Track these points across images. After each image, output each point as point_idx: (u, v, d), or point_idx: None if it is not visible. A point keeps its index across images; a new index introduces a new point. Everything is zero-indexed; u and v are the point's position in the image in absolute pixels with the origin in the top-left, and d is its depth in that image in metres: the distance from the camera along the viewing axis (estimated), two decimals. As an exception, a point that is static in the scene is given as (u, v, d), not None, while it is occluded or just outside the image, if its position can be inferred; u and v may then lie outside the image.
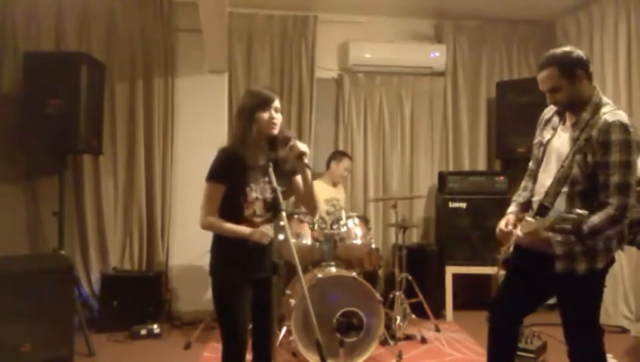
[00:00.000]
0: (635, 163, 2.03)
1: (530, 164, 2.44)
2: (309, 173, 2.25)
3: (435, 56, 5.11)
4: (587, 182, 2.09)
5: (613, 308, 4.32)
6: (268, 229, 2.17)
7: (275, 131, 2.21)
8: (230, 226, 2.18)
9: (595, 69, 4.54)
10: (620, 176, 2.02)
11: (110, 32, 4.60)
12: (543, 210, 2.19)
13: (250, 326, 2.30)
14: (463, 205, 4.76)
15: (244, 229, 2.17)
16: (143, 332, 4.01)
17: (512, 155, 4.89)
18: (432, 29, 5.30)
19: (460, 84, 5.23)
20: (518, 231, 2.22)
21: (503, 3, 4.84)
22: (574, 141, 2.14)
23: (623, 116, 2.06)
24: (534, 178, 2.36)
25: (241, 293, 2.21)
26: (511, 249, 2.36)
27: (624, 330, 4.22)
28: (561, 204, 2.16)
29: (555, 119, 2.31)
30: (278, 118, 2.23)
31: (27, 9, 4.43)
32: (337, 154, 4.52)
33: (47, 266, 3.48)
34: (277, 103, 2.24)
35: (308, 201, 2.37)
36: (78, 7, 4.53)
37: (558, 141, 2.25)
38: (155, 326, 4.07)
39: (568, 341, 2.21)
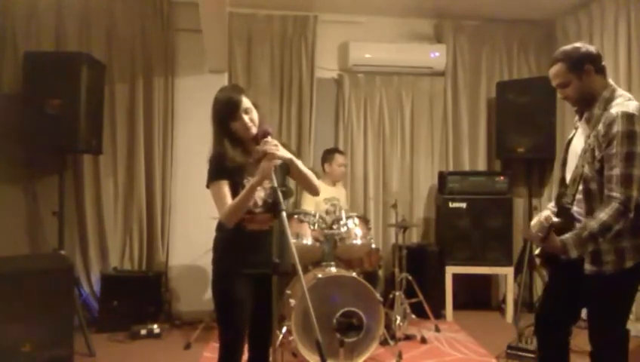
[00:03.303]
0: None
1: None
2: (298, 163, 2.20)
3: (435, 56, 5.11)
4: (598, 178, 2.06)
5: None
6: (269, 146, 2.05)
7: (254, 131, 2.17)
8: (240, 194, 2.09)
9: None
10: (622, 168, 1.96)
11: (110, 32, 4.60)
12: (563, 211, 2.16)
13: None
14: (463, 205, 4.76)
15: (251, 181, 2.08)
16: (143, 332, 4.01)
17: (512, 155, 4.89)
18: (432, 29, 5.29)
19: (460, 84, 5.22)
20: (539, 233, 2.11)
21: (503, 3, 4.83)
22: (586, 138, 2.13)
23: (631, 107, 2.01)
24: (563, 178, 2.30)
25: (241, 283, 2.17)
26: (537, 250, 2.30)
27: (624, 330, 4.22)
28: (580, 203, 2.13)
29: (577, 117, 2.29)
30: (253, 118, 2.17)
31: (27, 9, 4.43)
32: (327, 155, 4.44)
33: (47, 266, 3.48)
34: (245, 103, 2.16)
35: (306, 187, 2.37)
36: (78, 7, 4.53)
37: (576, 139, 2.24)
38: (155, 326, 4.07)
39: (592, 342, 2.15)
